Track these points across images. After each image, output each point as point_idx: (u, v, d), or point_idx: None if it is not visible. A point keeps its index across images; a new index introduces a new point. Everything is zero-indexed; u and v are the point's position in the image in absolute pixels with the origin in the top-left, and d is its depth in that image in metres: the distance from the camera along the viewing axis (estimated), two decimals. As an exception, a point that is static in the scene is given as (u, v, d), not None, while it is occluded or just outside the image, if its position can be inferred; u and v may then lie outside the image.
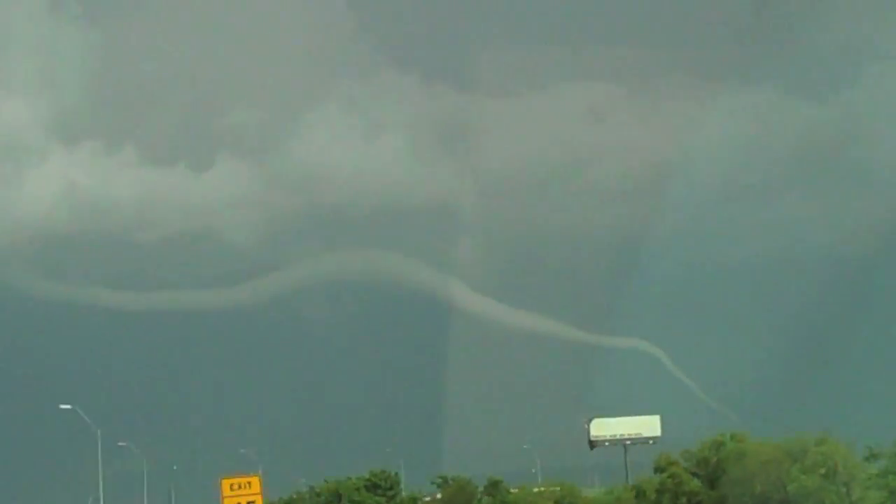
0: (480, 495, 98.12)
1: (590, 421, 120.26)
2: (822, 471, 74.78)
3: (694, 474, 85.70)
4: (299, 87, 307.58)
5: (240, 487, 42.47)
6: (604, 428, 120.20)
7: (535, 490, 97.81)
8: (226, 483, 42.60)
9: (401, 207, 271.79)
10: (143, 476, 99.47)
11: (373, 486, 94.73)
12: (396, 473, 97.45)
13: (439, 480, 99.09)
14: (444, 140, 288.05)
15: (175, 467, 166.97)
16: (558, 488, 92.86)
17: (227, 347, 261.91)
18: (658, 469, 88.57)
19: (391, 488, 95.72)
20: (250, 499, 42.19)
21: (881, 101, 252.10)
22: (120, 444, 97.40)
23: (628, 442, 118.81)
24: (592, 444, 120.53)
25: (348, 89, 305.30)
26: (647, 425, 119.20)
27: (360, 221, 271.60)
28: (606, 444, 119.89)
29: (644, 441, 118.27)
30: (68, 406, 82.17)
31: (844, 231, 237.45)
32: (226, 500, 42.36)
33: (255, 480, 43.53)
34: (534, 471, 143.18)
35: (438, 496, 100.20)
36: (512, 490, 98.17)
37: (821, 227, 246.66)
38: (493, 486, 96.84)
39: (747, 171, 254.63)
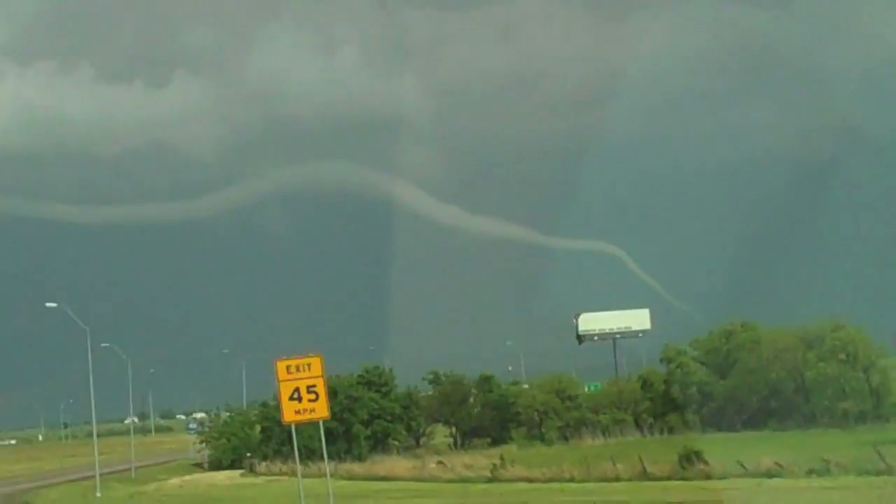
0: (475, 391, 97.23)
1: (577, 316, 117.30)
2: (842, 356, 73.37)
3: (702, 364, 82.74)
4: (254, 5, 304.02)
5: (298, 370, 37.62)
6: (592, 322, 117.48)
7: (533, 384, 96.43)
8: (281, 365, 37.36)
9: (358, 120, 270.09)
10: (128, 377, 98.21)
11: (367, 383, 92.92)
12: (390, 370, 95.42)
13: (430, 376, 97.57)
14: (400, 54, 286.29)
15: (152, 370, 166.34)
16: (556, 381, 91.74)
17: (186, 258, 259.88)
18: (665, 360, 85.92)
19: (385, 384, 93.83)
20: (311, 382, 37.59)
21: (835, 10, 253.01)
22: (103, 345, 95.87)
23: (618, 336, 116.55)
24: (581, 338, 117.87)
25: (303, 6, 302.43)
26: (636, 319, 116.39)
27: (317, 134, 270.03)
28: (595, 338, 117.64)
29: (633, 334, 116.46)
30: (54, 305, 79.85)
31: (798, 134, 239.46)
32: (282, 385, 37.34)
33: (317, 361, 37.50)
34: (510, 369, 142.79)
35: (430, 393, 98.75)
36: (502, 385, 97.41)
37: (776, 131, 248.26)
38: (485, 382, 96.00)
39: (703, 77, 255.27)
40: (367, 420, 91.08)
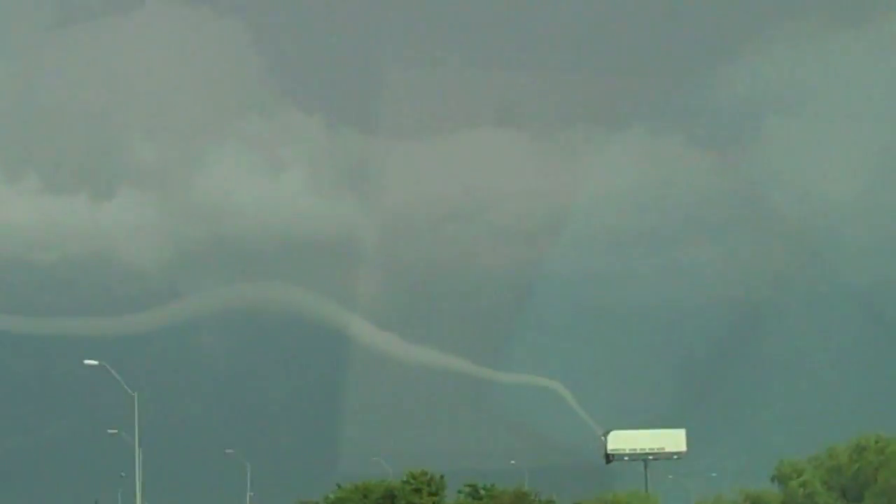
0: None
1: (607, 433, 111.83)
2: None
3: (824, 484, 76.57)
4: (203, 123, 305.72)
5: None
6: (623, 441, 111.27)
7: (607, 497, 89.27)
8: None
9: (303, 241, 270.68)
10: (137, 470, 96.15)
11: (415, 490, 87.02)
12: (441, 476, 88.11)
13: (468, 489, 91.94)
14: (347, 179, 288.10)
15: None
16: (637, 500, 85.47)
17: (125, 373, 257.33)
18: (779, 478, 79.91)
19: (436, 493, 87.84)
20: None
21: (779, 155, 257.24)
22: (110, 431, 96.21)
23: (651, 457, 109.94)
24: (609, 457, 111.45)
25: (253, 127, 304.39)
26: (671, 439, 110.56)
27: (262, 254, 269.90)
28: (626, 458, 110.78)
29: (668, 456, 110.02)
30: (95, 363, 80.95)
31: (737, 278, 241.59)
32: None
33: None
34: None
35: None
36: None
37: (714, 273, 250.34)
38: (522, 499, 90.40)
39: (647, 216, 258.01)
40: None
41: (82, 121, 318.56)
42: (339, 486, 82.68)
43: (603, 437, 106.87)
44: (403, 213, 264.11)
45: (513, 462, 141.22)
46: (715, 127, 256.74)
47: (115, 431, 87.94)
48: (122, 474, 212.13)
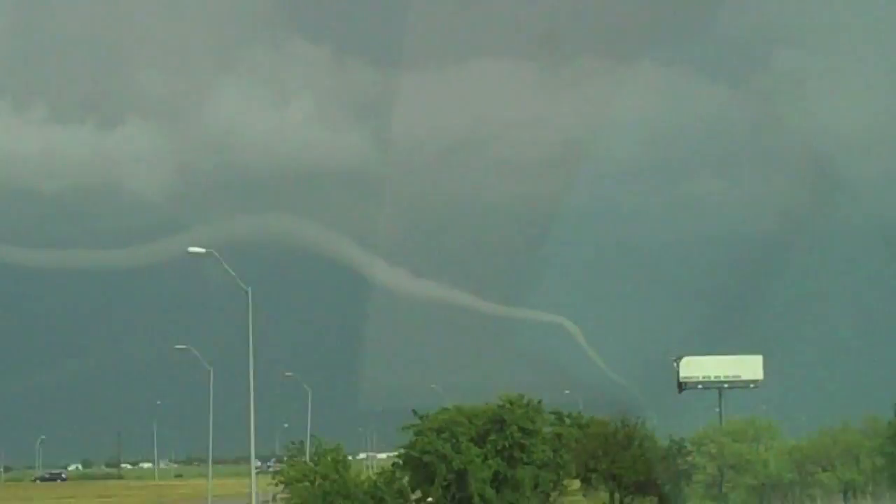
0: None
1: (679, 359, 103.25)
2: None
3: None
4: (211, 53, 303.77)
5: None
6: (696, 367, 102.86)
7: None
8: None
9: (311, 172, 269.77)
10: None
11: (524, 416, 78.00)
12: (539, 401, 75.60)
13: (551, 417, 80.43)
14: (355, 110, 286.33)
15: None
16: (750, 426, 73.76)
17: (136, 306, 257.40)
18: None
19: (532, 420, 73.36)
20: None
21: (789, 87, 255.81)
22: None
23: (726, 385, 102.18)
24: (682, 385, 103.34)
25: (260, 57, 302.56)
26: (748, 366, 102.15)
27: (270, 184, 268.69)
28: (699, 386, 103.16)
29: (744, 384, 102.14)
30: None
31: (750, 211, 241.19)
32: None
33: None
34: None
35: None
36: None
37: (728, 206, 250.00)
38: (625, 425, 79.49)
39: (658, 150, 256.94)
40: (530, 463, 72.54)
41: (89, 51, 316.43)
42: (443, 409, 75.65)
43: (675, 364, 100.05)
44: (413, 145, 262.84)
45: (567, 392, 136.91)
46: (725, 58, 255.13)
47: (184, 347, 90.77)
48: (158, 402, 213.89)
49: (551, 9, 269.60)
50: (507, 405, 71.97)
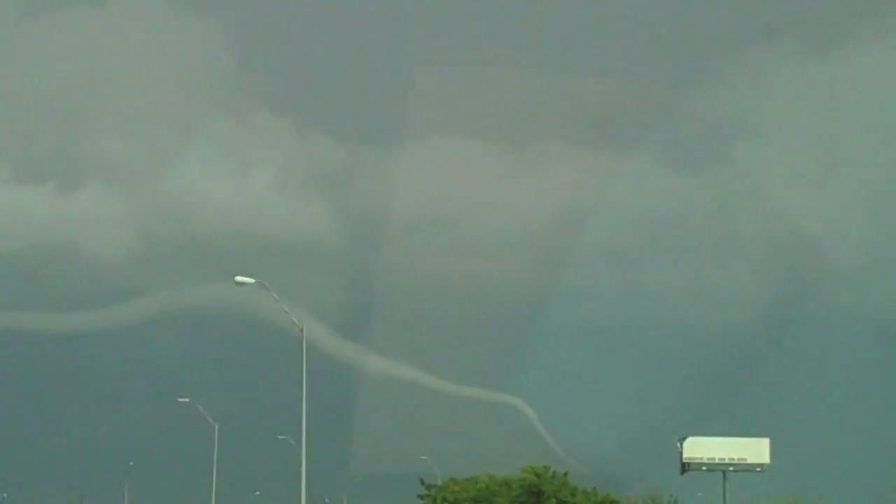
0: None
1: (682, 440, 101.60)
2: None
3: None
4: (173, 121, 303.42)
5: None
6: (700, 449, 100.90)
7: None
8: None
9: (271, 242, 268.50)
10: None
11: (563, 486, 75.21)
12: (565, 474, 76.99)
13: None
14: (316, 183, 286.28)
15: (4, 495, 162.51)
16: None
17: (85, 369, 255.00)
18: None
19: (558, 491, 74.95)
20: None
21: (748, 177, 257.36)
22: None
23: (731, 468, 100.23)
24: (685, 466, 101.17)
25: (223, 126, 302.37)
26: (753, 450, 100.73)
27: (228, 254, 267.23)
28: (704, 468, 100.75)
29: (750, 468, 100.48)
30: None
31: (712, 299, 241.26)
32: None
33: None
34: None
35: None
36: None
37: (689, 294, 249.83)
38: None
39: (621, 235, 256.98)
40: None
41: (51, 113, 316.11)
42: (472, 478, 70.49)
43: (678, 444, 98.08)
44: (370, 220, 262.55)
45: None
46: (686, 148, 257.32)
47: (186, 399, 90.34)
48: (131, 463, 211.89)
49: (516, 91, 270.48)
50: (535, 476, 67.54)
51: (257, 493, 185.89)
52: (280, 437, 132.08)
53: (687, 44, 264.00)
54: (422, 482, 70.33)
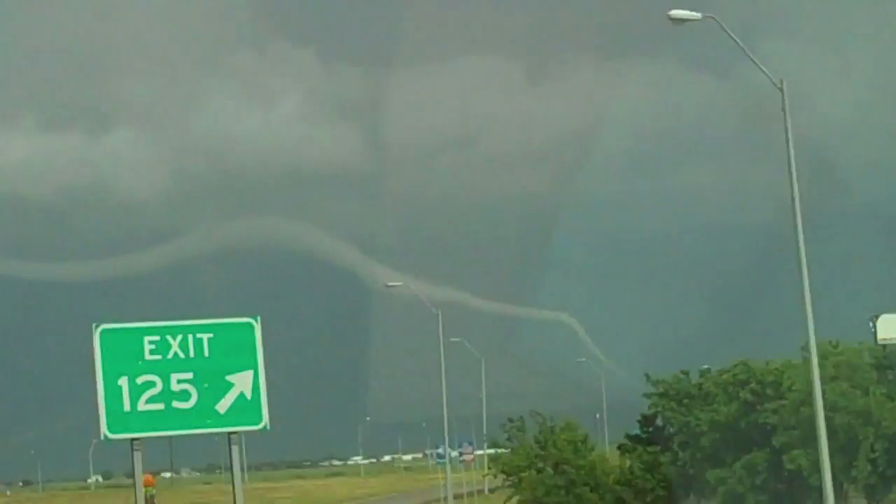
0: None
1: (875, 317, 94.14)
2: None
3: None
4: (196, 60, 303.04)
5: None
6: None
7: None
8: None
9: (304, 173, 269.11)
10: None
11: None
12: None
13: None
14: (344, 110, 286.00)
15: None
16: None
17: (127, 314, 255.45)
18: None
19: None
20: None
21: (775, 76, 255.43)
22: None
23: None
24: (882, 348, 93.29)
25: (244, 62, 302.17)
26: None
27: (261, 186, 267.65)
28: None
29: None
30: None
31: (744, 200, 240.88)
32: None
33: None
34: None
35: None
36: None
37: (721, 196, 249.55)
38: None
39: (649, 142, 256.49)
40: None
41: (74, 60, 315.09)
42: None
43: (871, 323, 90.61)
44: (403, 143, 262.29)
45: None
46: (712, 49, 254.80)
47: None
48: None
49: (537, 7, 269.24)
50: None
51: (367, 418, 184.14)
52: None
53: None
54: (647, 377, 61.63)
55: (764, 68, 42.82)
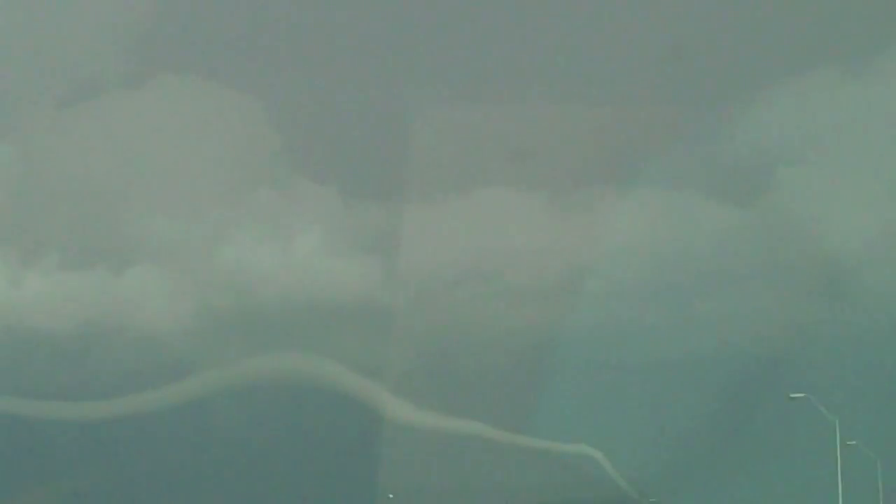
0: None
1: None
2: None
3: None
4: (219, 198, 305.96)
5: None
6: None
7: None
8: None
9: (323, 308, 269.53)
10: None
11: None
12: None
13: None
14: (364, 246, 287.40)
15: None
16: None
17: (139, 453, 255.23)
18: None
19: None
20: None
21: (791, 206, 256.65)
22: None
23: None
24: None
25: (269, 201, 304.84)
26: None
27: (281, 320, 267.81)
28: None
29: None
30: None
31: (755, 331, 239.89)
32: None
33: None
34: None
35: None
36: None
37: (733, 326, 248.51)
38: None
39: (665, 272, 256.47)
40: None
41: (97, 200, 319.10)
42: None
43: None
44: (420, 278, 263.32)
45: None
46: (729, 180, 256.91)
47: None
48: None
49: (552, 136, 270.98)
50: None
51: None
52: None
53: (725, 73, 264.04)
54: None
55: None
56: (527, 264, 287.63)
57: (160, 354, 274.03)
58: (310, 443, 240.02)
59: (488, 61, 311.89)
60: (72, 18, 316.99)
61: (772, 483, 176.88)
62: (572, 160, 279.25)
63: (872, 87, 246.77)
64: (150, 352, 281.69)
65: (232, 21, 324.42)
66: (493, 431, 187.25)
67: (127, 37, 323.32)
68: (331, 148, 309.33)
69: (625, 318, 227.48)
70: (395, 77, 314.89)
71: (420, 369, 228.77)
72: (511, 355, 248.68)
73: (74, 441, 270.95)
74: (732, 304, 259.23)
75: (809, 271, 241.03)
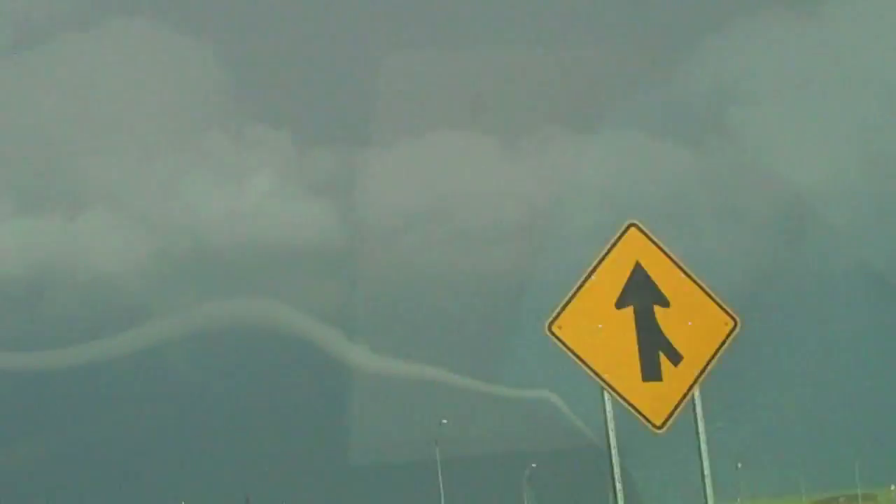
0: None
1: None
2: None
3: None
4: (170, 139, 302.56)
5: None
6: None
7: None
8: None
9: (277, 250, 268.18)
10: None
11: None
12: None
13: None
14: (319, 190, 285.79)
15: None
16: None
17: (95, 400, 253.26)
18: None
19: None
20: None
21: (744, 145, 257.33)
22: None
23: None
24: None
25: (223, 144, 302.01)
26: None
27: (237, 264, 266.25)
28: None
29: None
30: None
31: (716, 269, 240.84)
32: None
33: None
34: None
35: None
36: None
37: (692, 265, 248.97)
38: None
39: (620, 212, 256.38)
40: None
41: (50, 143, 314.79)
42: None
43: None
44: (376, 220, 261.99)
45: None
46: (681, 120, 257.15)
47: None
48: None
49: (507, 80, 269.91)
50: None
51: None
52: None
53: (675, 16, 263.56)
54: None
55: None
56: (483, 207, 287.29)
57: (114, 298, 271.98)
58: (269, 388, 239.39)
59: (444, 6, 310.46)
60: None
61: (724, 432, 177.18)
62: (526, 104, 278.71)
63: (824, 27, 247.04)
64: (103, 297, 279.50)
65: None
66: (454, 377, 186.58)
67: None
68: (285, 92, 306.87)
69: (583, 260, 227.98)
70: (351, 22, 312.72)
71: (378, 314, 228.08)
72: (471, 299, 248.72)
73: (26, 392, 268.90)
74: (689, 242, 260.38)
75: (762, 209, 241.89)
